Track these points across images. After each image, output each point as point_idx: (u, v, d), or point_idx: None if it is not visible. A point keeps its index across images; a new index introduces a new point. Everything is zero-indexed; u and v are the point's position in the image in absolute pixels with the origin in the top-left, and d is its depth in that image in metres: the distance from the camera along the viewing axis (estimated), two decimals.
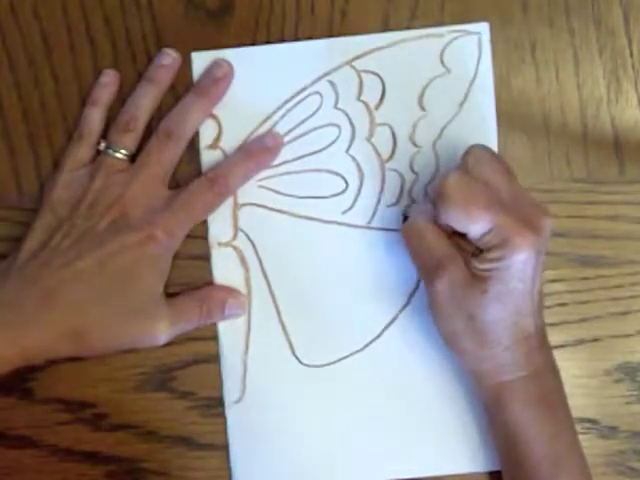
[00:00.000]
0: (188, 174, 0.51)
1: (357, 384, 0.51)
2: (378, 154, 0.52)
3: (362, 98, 0.52)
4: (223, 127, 0.52)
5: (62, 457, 0.52)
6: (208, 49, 0.52)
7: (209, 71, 0.51)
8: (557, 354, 0.48)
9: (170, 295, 0.50)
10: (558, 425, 0.46)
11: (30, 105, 0.52)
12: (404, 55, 0.51)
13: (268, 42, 0.52)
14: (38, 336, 0.46)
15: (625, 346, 0.51)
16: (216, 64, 0.51)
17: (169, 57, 0.51)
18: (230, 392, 0.52)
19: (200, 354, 0.52)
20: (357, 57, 0.51)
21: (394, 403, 0.51)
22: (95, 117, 0.51)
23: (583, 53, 0.52)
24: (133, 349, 0.50)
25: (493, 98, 0.51)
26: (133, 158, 0.51)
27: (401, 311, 0.51)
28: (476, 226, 0.45)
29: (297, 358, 0.52)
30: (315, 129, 0.52)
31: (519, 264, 0.44)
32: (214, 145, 0.52)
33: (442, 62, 0.51)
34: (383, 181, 0.52)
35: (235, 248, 0.52)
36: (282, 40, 0.52)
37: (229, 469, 0.52)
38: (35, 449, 0.52)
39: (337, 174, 0.52)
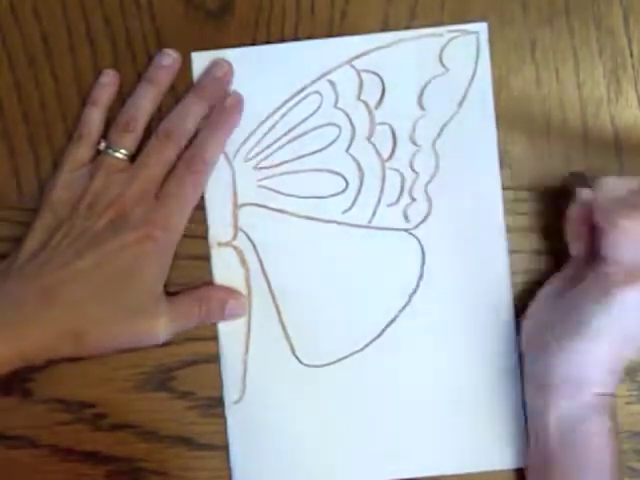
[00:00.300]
0: None
1: (357, 384, 0.51)
2: (378, 153, 0.52)
3: (362, 98, 0.52)
4: None
5: (62, 457, 0.52)
6: (208, 49, 0.52)
7: (209, 71, 0.51)
8: None
9: (170, 295, 0.50)
10: None
11: (30, 105, 0.52)
12: (403, 55, 0.51)
13: (268, 42, 0.52)
14: (38, 335, 0.46)
15: None
16: (216, 64, 0.51)
17: (169, 57, 0.51)
18: (230, 392, 0.52)
19: (200, 354, 0.52)
20: (357, 57, 0.51)
21: (394, 403, 0.51)
22: (95, 117, 0.51)
23: (583, 53, 0.52)
24: (133, 349, 0.50)
25: (492, 97, 0.51)
26: (133, 158, 0.51)
27: (401, 311, 0.51)
28: None
29: (297, 358, 0.52)
30: (315, 129, 0.52)
31: None
32: None
33: (441, 62, 0.51)
34: (383, 180, 0.52)
35: (235, 248, 0.52)
36: (282, 40, 0.52)
37: (229, 469, 0.52)
38: (35, 449, 0.52)
39: (337, 174, 0.52)
